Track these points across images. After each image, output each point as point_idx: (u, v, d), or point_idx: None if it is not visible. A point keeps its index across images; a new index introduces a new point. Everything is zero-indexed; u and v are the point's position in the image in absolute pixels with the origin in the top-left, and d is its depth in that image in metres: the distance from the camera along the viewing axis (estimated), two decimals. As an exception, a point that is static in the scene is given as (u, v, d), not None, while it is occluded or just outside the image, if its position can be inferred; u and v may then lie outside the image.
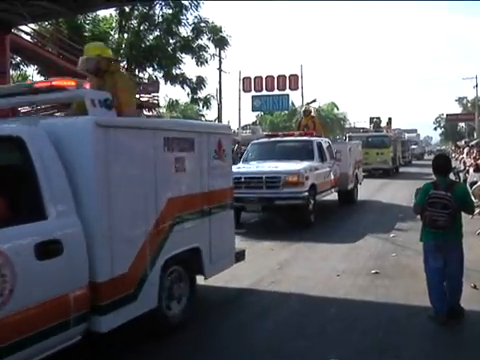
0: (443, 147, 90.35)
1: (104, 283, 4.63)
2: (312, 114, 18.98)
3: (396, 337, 5.59)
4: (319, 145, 14.86)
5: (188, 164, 6.03)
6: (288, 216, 13.49)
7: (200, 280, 6.50)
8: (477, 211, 11.26)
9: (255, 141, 16.90)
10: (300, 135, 16.04)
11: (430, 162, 6.54)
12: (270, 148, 15.25)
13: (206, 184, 6.41)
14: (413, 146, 58.55)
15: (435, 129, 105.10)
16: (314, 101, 63.35)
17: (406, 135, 55.16)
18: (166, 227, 5.54)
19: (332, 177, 15.20)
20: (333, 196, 16.22)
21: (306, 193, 12.45)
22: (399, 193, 19.81)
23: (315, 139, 15.12)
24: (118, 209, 4.86)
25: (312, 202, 12.90)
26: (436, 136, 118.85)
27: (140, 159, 5.29)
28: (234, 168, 13.25)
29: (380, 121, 39.04)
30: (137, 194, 5.16)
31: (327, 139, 16.97)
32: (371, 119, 35.95)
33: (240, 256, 7.44)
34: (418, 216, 6.40)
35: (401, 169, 36.81)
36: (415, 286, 7.19)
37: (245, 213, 13.50)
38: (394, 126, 43.85)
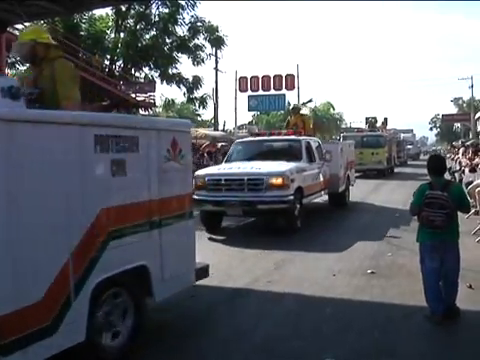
0: (439, 147, 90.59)
1: (4, 317, 3.76)
2: (301, 112, 18.10)
3: (392, 337, 5.60)
4: (307, 145, 14.07)
5: (130, 167, 5.08)
6: (273, 221, 13.00)
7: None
8: (473, 211, 11.29)
9: (239, 140, 16.02)
10: (288, 134, 14.91)
11: (426, 162, 6.54)
12: (255, 148, 14.43)
13: (156, 190, 5.48)
14: (408, 146, 58.26)
15: (431, 129, 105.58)
16: (310, 101, 63.80)
17: (402, 135, 54.69)
18: (98, 243, 4.63)
19: (321, 179, 14.49)
20: (324, 198, 16.07)
21: (291, 197, 11.61)
22: (394, 194, 19.54)
23: (303, 139, 14.29)
24: (25, 224, 3.98)
25: (298, 206, 12.10)
26: (432, 136, 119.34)
27: (60, 162, 4.35)
28: (214, 169, 13.51)
29: (376, 121, 38.77)
30: (55, 205, 4.27)
31: (317, 139, 16.21)
32: (367, 119, 36.39)
33: (202, 273, 6.46)
34: (414, 216, 6.42)
35: (396, 169, 36.64)
36: (411, 286, 7.20)
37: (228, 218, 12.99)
38: (390, 126, 43.78)
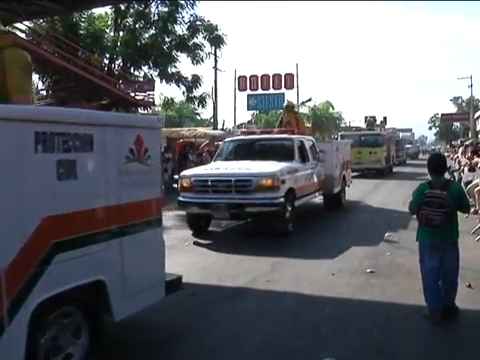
0: (438, 146, 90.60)
1: None
2: (295, 110, 17.26)
3: (392, 336, 5.60)
4: (300, 144, 13.41)
5: (82, 169, 4.51)
6: (263, 224, 12.28)
7: (197, 279, 6.46)
8: (472, 210, 11.28)
9: (229, 138, 15.08)
10: (281, 133, 14.31)
11: (425, 162, 6.54)
12: (246, 147, 13.65)
13: (114, 195, 4.88)
14: (407, 145, 58.01)
15: (430, 128, 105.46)
16: (309, 100, 63.87)
17: (400, 134, 54.35)
18: (40, 256, 4.07)
19: (316, 179, 13.87)
20: (320, 199, 15.73)
21: (282, 199, 10.98)
22: (393, 195, 19.26)
23: (296, 137, 13.60)
24: None
25: (290, 209, 11.42)
26: (431, 136, 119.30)
27: None
28: (201, 169, 12.66)
29: (375, 120, 38.65)
30: None
31: (310, 137, 15.31)
32: (366, 118, 36.38)
33: (173, 285, 5.79)
34: (413, 216, 6.42)
35: (395, 169, 36.36)
36: (410, 285, 7.20)
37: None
38: (389, 126, 43.50)
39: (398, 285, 7.47)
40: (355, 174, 28.67)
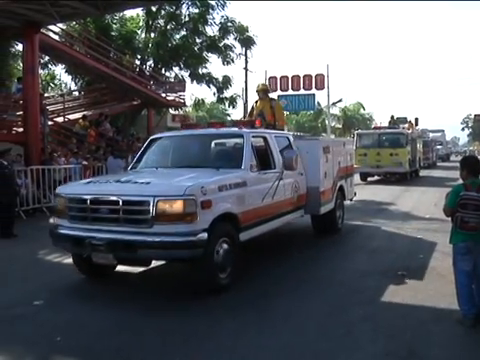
0: (470, 148, 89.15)
1: None
2: (270, 95, 12.77)
3: (424, 340, 5.53)
4: (263, 142, 9.37)
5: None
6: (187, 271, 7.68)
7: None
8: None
9: (156, 135, 10.41)
10: (239, 125, 9.58)
11: (457, 164, 6.44)
12: (178, 148, 9.66)
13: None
14: (438, 147, 54.49)
15: (462, 130, 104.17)
16: (340, 101, 63.57)
17: (430, 135, 50.60)
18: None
19: (289, 195, 9.60)
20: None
21: (202, 234, 6.74)
22: (418, 209, 15.66)
23: (249, 132, 9.02)
24: None
25: (226, 247, 7.32)
26: (464, 137, 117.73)
27: None
28: (82, 183, 8.88)
29: (405, 120, 35.82)
30: None
31: (288, 133, 11.47)
32: (392, 117, 33.14)
33: None
34: (444, 218, 6.35)
35: (423, 172, 33.38)
36: (442, 288, 7.11)
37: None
38: (421, 127, 41.68)
39: (430, 288, 7.36)
40: (373, 179, 27.76)
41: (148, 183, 7.42)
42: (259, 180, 8.52)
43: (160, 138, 10.13)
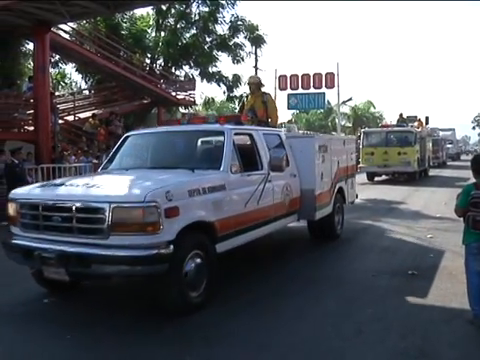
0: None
1: None
2: (263, 90, 11.42)
3: (434, 339, 5.50)
4: (247, 141, 8.43)
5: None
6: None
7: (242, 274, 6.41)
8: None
9: (133, 132, 9.45)
10: (219, 121, 8.67)
11: (468, 163, 6.38)
12: (155, 146, 8.71)
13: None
14: (448, 145, 53.36)
15: (473, 128, 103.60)
16: (350, 99, 63.40)
17: (440, 133, 48.62)
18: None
19: (280, 199, 8.68)
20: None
21: (167, 247, 5.88)
22: (427, 210, 15.18)
23: (231, 129, 7.99)
24: None
25: (199, 261, 6.41)
26: (474, 136, 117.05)
27: None
28: (36, 186, 7.44)
29: (415, 119, 34.69)
30: None
31: (279, 130, 10.20)
32: (401, 115, 32.05)
33: None
34: (454, 217, 6.31)
35: (432, 172, 32.58)
36: (453, 288, 7.09)
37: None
38: (431, 126, 41.13)
39: (441, 288, 7.32)
40: (381, 179, 27.29)
41: (107, 187, 6.46)
42: (242, 183, 7.55)
43: (135, 135, 9.12)
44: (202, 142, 8.45)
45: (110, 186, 6.50)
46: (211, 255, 6.67)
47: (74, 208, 6.07)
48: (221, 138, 7.78)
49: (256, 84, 11.17)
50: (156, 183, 6.34)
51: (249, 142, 8.43)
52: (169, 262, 5.87)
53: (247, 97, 11.35)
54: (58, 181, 7.50)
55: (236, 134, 7.99)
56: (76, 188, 6.63)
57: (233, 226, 7.22)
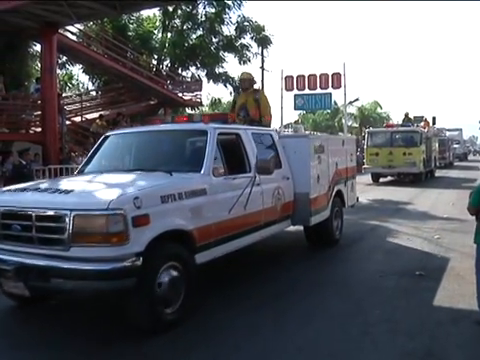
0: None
1: None
2: (255, 87, 10.86)
3: (442, 341, 5.49)
4: (231, 141, 7.70)
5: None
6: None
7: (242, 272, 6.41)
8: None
9: (112, 132, 8.79)
10: (203, 120, 7.86)
11: (476, 164, 6.37)
12: (130, 146, 8.15)
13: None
14: (455, 145, 52.46)
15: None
16: (357, 100, 63.26)
17: (447, 133, 47.76)
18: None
19: (270, 204, 8.07)
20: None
21: (135, 260, 5.27)
22: (434, 211, 15.12)
23: (215, 128, 7.37)
24: None
25: (175, 274, 5.83)
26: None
27: None
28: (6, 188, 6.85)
29: (422, 119, 34.11)
30: None
31: (271, 130, 9.71)
32: (406, 115, 31.31)
33: None
34: (465, 217, 6.31)
35: (438, 173, 31.99)
36: (461, 289, 7.08)
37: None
38: (439, 126, 40.49)
39: (448, 289, 7.30)
40: (386, 180, 26.91)
41: (69, 192, 5.77)
42: (226, 187, 6.94)
43: (115, 135, 8.48)
44: (183, 143, 7.68)
45: (76, 192, 5.83)
46: (189, 267, 6.05)
47: (34, 216, 5.50)
48: (204, 138, 7.14)
49: (249, 80, 10.43)
50: (124, 188, 5.76)
51: (236, 142, 7.79)
52: (137, 276, 5.27)
53: (238, 93, 10.60)
54: (25, 185, 6.71)
55: (221, 134, 7.38)
56: (40, 194, 5.95)
57: (215, 234, 6.61)
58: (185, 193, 6.16)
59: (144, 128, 8.58)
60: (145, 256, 5.34)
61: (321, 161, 9.67)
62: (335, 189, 10.38)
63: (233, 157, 7.45)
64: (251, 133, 8.20)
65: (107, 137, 8.36)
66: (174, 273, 5.82)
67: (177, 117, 9.13)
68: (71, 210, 5.24)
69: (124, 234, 5.20)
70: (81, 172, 7.88)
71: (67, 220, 5.22)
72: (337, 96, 36.24)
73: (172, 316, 5.83)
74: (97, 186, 6.40)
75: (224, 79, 33.48)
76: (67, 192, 5.74)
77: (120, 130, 8.93)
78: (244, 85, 10.39)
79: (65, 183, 6.88)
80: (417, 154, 25.32)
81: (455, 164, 46.00)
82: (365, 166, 26.06)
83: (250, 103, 10.00)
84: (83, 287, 5.38)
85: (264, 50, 36.70)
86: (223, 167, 7.07)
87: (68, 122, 21.75)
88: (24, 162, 12.60)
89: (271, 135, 9.10)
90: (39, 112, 19.41)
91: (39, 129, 19.38)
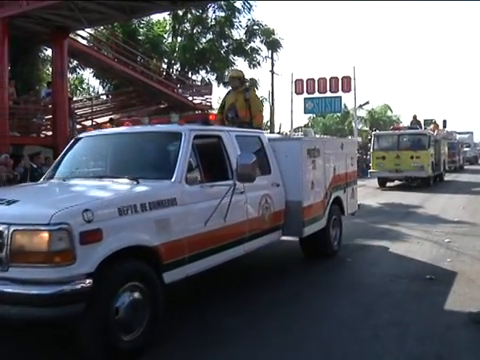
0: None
1: None
2: (246, 85, 10.48)
3: (452, 345, 5.46)
4: (215, 144, 6.96)
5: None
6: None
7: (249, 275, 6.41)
8: None
9: (83, 134, 7.92)
10: (189, 120, 7.19)
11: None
12: (99, 150, 7.41)
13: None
14: (465, 149, 51.78)
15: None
16: (367, 103, 63.15)
17: (457, 136, 47.25)
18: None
19: (256, 214, 7.23)
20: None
21: (84, 282, 4.49)
22: (444, 214, 14.82)
23: (194, 131, 6.53)
24: None
25: (137, 296, 5.05)
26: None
27: None
28: None
29: (432, 122, 34.34)
30: None
31: (259, 131, 8.60)
32: (414, 117, 30.61)
33: None
34: (476, 221, 6.29)
35: (448, 177, 31.32)
36: (472, 293, 7.05)
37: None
38: (449, 130, 40.25)
39: (459, 292, 7.27)
40: (393, 184, 26.35)
41: (13, 203, 4.95)
42: (201, 196, 6.13)
43: (86, 137, 7.60)
44: (155, 146, 6.83)
45: (20, 202, 5.01)
46: (156, 287, 5.27)
47: None
48: (177, 141, 6.29)
49: (239, 78, 9.59)
50: (75, 199, 5.09)
51: (217, 146, 6.95)
52: (87, 301, 4.50)
53: (228, 94, 9.79)
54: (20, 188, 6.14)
55: (198, 136, 6.51)
56: None
57: (188, 250, 5.79)
58: (150, 204, 5.38)
59: (116, 130, 7.57)
60: (97, 277, 4.58)
61: (316, 166, 8.82)
62: (333, 196, 9.51)
63: (213, 162, 6.71)
64: (235, 135, 7.33)
65: (79, 139, 7.58)
66: (136, 295, 5.05)
67: (153, 119, 7.81)
68: (9, 224, 4.50)
69: (69, 253, 4.44)
70: (49, 178, 7.12)
71: (4, 235, 4.48)
72: (347, 99, 36.11)
73: (131, 344, 4.99)
74: (48, 195, 5.77)
75: (234, 83, 33.59)
76: (10, 203, 4.93)
77: (93, 132, 8.00)
78: (233, 84, 9.62)
79: (15, 192, 6.27)
80: (425, 158, 24.49)
81: (465, 167, 45.64)
82: (371, 170, 25.63)
83: (240, 103, 9.20)
84: (23, 314, 4.43)
85: (274, 53, 36.79)
86: (199, 174, 6.28)
87: (79, 126, 21.87)
88: (35, 166, 12.67)
89: (259, 137, 8.17)
90: (50, 116, 19.56)
91: (50, 133, 19.53)
